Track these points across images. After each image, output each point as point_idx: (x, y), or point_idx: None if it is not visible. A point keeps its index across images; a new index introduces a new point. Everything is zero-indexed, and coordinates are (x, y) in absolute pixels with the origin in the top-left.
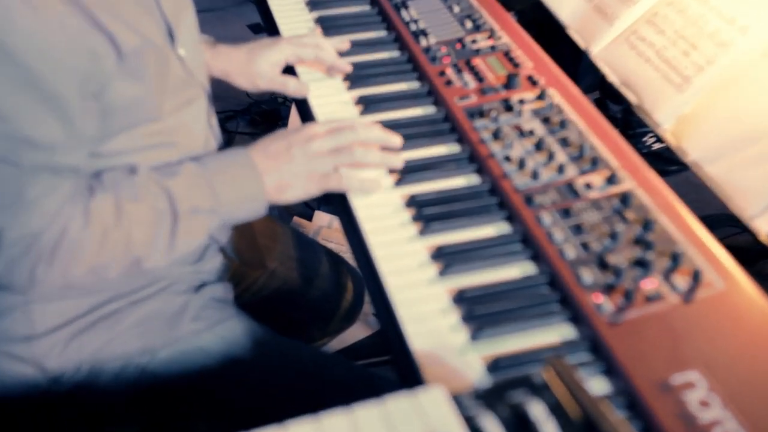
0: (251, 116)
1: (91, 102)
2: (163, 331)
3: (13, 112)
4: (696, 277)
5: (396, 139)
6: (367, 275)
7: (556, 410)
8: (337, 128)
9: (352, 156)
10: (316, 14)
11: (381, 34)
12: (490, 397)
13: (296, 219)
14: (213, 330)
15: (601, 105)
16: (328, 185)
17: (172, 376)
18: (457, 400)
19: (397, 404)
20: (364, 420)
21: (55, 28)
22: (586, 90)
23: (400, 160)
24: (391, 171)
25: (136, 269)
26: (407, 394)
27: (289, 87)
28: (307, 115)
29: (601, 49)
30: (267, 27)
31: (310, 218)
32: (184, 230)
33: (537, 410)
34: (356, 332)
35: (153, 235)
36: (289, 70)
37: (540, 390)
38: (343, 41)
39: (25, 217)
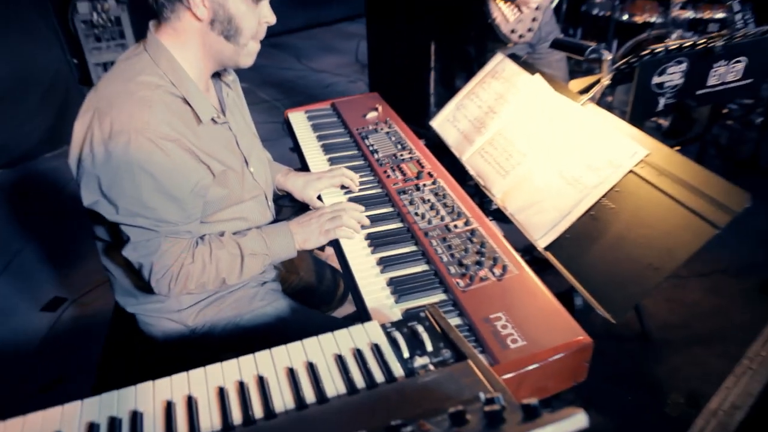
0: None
1: (198, 199)
2: (246, 305)
3: (156, 207)
4: (504, 268)
5: (365, 219)
6: (348, 279)
7: (430, 330)
8: (335, 209)
9: (341, 223)
10: (321, 142)
11: (354, 152)
12: (399, 324)
13: (315, 251)
14: (271, 305)
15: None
16: (328, 237)
17: (250, 330)
18: (384, 326)
19: (356, 329)
20: (338, 336)
21: (179, 163)
22: None
23: (365, 224)
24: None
25: (223, 285)
26: (361, 325)
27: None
28: None
29: (467, 157)
30: (296, 149)
31: (323, 249)
32: (248, 265)
33: (420, 329)
34: (345, 309)
35: (231, 267)
36: None
37: (423, 320)
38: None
39: (162, 259)
